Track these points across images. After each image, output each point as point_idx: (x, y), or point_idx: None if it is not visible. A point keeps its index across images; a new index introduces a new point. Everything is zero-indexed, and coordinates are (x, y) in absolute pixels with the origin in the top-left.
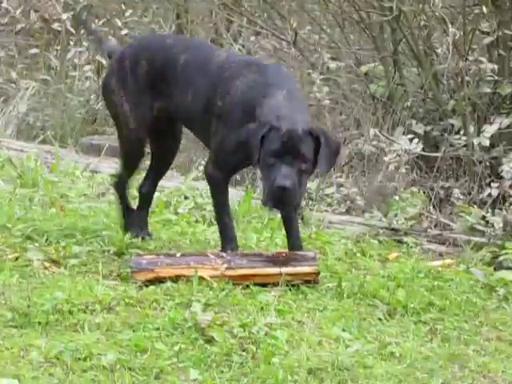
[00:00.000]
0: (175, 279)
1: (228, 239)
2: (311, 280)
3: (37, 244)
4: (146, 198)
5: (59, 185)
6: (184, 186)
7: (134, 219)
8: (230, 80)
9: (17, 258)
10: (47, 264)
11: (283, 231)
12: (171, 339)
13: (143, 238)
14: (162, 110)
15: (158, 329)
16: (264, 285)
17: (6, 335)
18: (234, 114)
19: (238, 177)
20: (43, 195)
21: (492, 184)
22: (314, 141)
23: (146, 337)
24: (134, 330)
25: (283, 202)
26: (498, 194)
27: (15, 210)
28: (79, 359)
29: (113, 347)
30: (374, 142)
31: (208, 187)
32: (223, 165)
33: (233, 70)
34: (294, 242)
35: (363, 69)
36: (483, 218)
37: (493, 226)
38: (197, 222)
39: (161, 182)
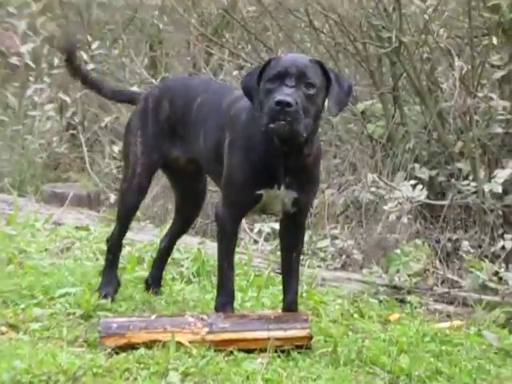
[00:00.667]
0: (149, 345)
1: (224, 292)
2: (303, 345)
3: None
4: (162, 253)
5: (17, 239)
6: (159, 239)
7: (112, 281)
8: (237, 106)
9: None
10: (4, 329)
11: (271, 289)
12: None
13: (156, 293)
14: (185, 159)
15: None
16: (250, 351)
17: None
18: (240, 137)
19: None
20: None
21: (505, 235)
22: (323, 74)
23: None
24: None
25: (285, 120)
26: None
27: None
28: None
29: None
30: (373, 189)
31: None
32: (233, 201)
33: (241, 100)
34: (290, 298)
35: (360, 107)
36: (496, 273)
37: (507, 283)
38: (174, 279)
39: (132, 235)
